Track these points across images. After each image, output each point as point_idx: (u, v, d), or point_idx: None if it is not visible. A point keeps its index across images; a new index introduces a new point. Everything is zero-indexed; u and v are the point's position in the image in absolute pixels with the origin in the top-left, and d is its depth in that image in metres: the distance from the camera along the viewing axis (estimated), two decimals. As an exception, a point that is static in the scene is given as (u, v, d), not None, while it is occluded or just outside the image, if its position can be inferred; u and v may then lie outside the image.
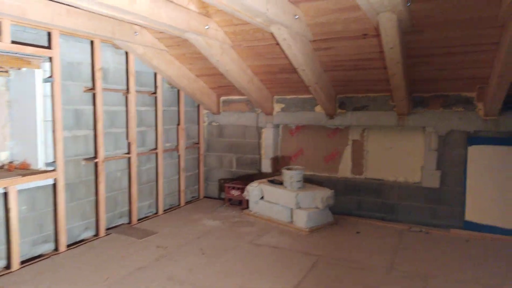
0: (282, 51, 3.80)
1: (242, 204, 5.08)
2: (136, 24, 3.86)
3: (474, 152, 4.23)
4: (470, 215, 4.15)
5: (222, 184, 5.59)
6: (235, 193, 5.14)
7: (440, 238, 4.00)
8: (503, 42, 3.07)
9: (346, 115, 4.90)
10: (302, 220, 4.19)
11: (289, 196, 4.31)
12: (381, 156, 4.99)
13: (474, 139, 4.25)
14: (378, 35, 3.35)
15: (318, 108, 5.06)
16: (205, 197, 5.84)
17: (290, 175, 4.40)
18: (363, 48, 3.71)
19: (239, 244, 3.80)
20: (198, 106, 5.78)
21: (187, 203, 5.46)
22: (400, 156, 4.86)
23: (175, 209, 5.17)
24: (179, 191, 5.37)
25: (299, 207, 4.27)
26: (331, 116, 4.97)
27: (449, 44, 3.44)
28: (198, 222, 4.54)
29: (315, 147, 5.36)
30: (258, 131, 5.52)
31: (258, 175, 5.44)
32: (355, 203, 4.94)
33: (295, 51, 3.65)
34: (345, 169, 5.19)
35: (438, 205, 4.49)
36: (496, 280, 3.00)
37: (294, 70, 4.18)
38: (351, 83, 4.54)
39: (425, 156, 4.55)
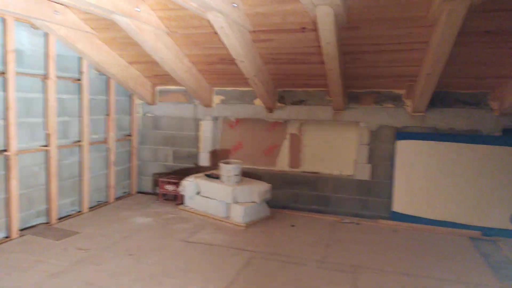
0: (220, 40, 3.65)
1: (177, 199, 4.87)
2: (56, 2, 3.44)
3: (402, 147, 4.46)
4: (398, 206, 4.39)
5: (156, 179, 5.32)
6: (170, 188, 4.91)
7: (369, 229, 4.18)
8: (431, 42, 3.22)
9: (285, 109, 4.90)
10: (238, 215, 4.11)
11: (226, 190, 4.21)
12: (318, 150, 5.08)
13: (402, 134, 4.48)
14: (316, 29, 3.34)
15: (257, 101, 5.00)
16: (138, 192, 5.52)
17: (228, 169, 4.29)
18: (302, 42, 3.69)
19: (171, 243, 3.62)
20: (131, 95, 5.41)
21: (117, 199, 5.11)
22: (335, 150, 4.99)
23: (103, 206, 4.80)
24: (108, 186, 4.99)
25: (236, 202, 4.19)
26: (270, 109, 4.93)
27: (381, 42, 3.55)
28: (128, 220, 4.25)
29: (254, 141, 5.30)
30: (197, 123, 5.32)
31: (196, 169, 5.26)
32: (292, 196, 4.98)
33: (234, 41, 3.52)
34: (283, 163, 5.21)
35: (368, 197, 4.69)
36: (422, 271, 3.18)
37: (233, 61, 4.05)
38: (290, 77, 4.53)
39: (357, 150, 4.72)
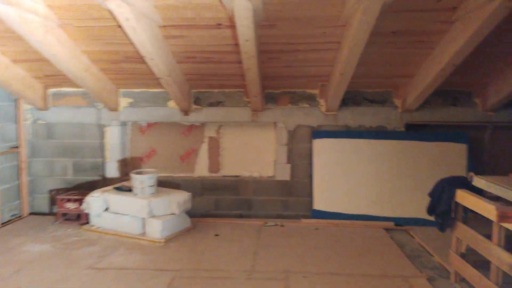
0: (126, 35, 3.23)
1: (81, 219, 4.22)
2: None
3: (318, 145, 4.54)
4: (317, 204, 4.45)
5: (54, 196, 4.56)
6: (71, 206, 4.24)
7: (293, 230, 4.14)
8: (345, 41, 3.28)
9: (201, 111, 4.62)
10: (156, 230, 3.71)
11: (140, 204, 3.77)
12: (238, 152, 4.92)
13: (318, 133, 4.56)
14: (233, 25, 3.15)
15: (171, 103, 4.63)
16: (31, 214, 4.68)
17: (141, 180, 3.85)
18: (218, 40, 3.47)
19: (75, 272, 3.06)
20: (17, 100, 4.56)
21: (4, 224, 4.25)
22: (255, 152, 4.89)
23: (-15, 234, 3.94)
24: (-10, 210, 4.12)
25: (153, 216, 3.77)
26: (186, 112, 4.61)
27: (297, 41, 3.52)
28: (19, 249, 3.53)
29: (169, 146, 4.91)
30: (101, 129, 4.72)
31: (103, 182, 4.66)
32: (213, 203, 4.73)
33: (142, 36, 3.14)
34: (202, 168, 4.92)
35: (289, 197, 4.67)
36: (349, 268, 3.20)
37: (142, 60, 3.64)
38: (206, 77, 4.27)
39: (277, 150, 4.67)
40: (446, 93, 4.47)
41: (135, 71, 4.15)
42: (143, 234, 3.80)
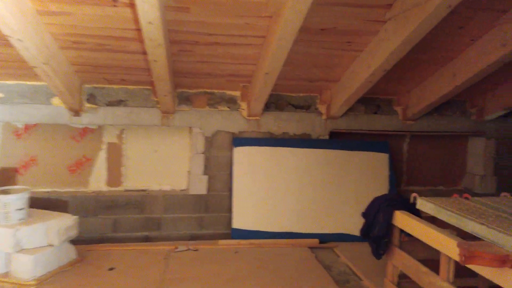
0: (-26, 2, 2.30)
1: None
2: None
3: (239, 154, 4.02)
4: (238, 222, 3.91)
5: None
6: None
7: (209, 255, 3.53)
8: (271, 35, 2.79)
9: (97, 112, 3.76)
10: (25, 268, 2.78)
11: (3, 234, 2.80)
12: (145, 162, 4.15)
13: (239, 140, 4.04)
14: (132, 4, 2.45)
15: (56, 101, 3.68)
16: None
17: (4, 202, 2.87)
18: (115, 21, 2.72)
19: None
20: None
21: None
22: (166, 161, 4.17)
23: None
24: None
25: (21, 250, 2.84)
26: (76, 112, 3.70)
27: (214, 32, 2.94)
28: None
29: (55, 154, 3.93)
30: (-45, 132, 3.56)
31: (-45, 201, 3.50)
32: (111, 224, 3.89)
33: (1, 7, 2.26)
34: (98, 181, 4.03)
35: (206, 213, 4.07)
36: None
37: (7, 41, 2.71)
38: (102, 69, 3.45)
39: (191, 159, 4.03)
40: (369, 100, 4.30)
41: (3, 56, 3.16)
42: (7, 274, 2.83)
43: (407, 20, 2.64)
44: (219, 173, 4.07)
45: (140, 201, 3.98)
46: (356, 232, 4.00)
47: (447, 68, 3.57)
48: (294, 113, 4.19)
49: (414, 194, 2.31)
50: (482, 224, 1.77)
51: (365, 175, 4.20)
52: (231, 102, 4.05)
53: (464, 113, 4.50)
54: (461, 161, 4.84)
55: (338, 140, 4.36)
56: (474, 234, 1.79)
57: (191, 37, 2.99)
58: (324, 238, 3.92)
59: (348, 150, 4.26)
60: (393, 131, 4.42)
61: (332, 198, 4.08)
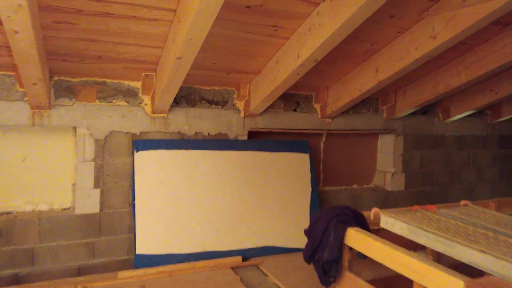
0: None
1: None
2: None
3: (142, 160, 3.26)
4: (143, 245, 3.14)
5: None
6: None
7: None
8: (184, 9, 2.14)
9: None
10: None
11: None
12: (10, 175, 3.09)
13: (141, 143, 3.28)
14: None
15: None
16: None
17: None
18: None
19: None
20: None
21: None
22: (41, 172, 3.19)
23: None
24: None
25: None
26: None
27: None
28: None
29: None
30: None
31: None
32: (-45, 266, 2.75)
33: None
34: None
35: (99, 238, 3.20)
36: None
37: None
38: None
39: (77, 169, 3.12)
40: (289, 96, 3.95)
41: None
42: None
43: (345, 2, 2.28)
44: (117, 185, 3.24)
45: (4, 228, 2.91)
46: (282, 243, 3.64)
47: (371, 62, 3.39)
48: (209, 110, 3.59)
49: (374, 210, 1.95)
50: (483, 252, 1.43)
51: (288, 178, 3.84)
52: (130, 95, 3.25)
53: (377, 110, 4.48)
54: (373, 159, 4.86)
55: (258, 140, 3.91)
56: (472, 264, 1.47)
57: (72, 2, 2.16)
58: (247, 254, 3.42)
59: (269, 151, 3.84)
60: (313, 129, 4.16)
61: (253, 206, 3.60)
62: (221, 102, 3.64)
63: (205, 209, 3.39)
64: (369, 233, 1.85)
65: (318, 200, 3.94)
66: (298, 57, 2.83)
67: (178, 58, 2.49)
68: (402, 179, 4.71)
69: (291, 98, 3.99)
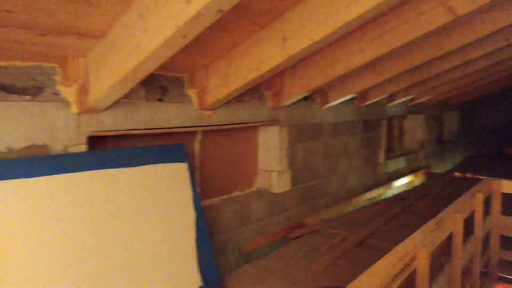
0: None
1: None
2: None
3: None
4: None
5: None
6: None
7: None
8: None
9: None
10: None
11: None
12: None
13: None
14: None
15: None
16: None
17: None
18: None
19: None
20: None
21: None
22: None
23: None
24: None
25: None
26: None
27: None
28: None
29: None
30: None
31: None
32: None
33: None
34: None
35: None
36: None
37: None
38: None
39: None
40: (151, 79, 2.60)
41: None
42: None
43: None
44: None
45: None
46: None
47: (275, 28, 2.38)
48: (6, 105, 1.89)
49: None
50: None
51: (162, 205, 2.51)
52: None
53: (261, 97, 3.58)
54: (254, 157, 3.98)
55: (105, 151, 2.41)
56: None
57: None
58: None
59: (125, 166, 2.42)
60: (190, 126, 2.92)
61: (116, 265, 2.15)
62: (31, 89, 1.99)
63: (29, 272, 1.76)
64: None
65: (205, 229, 2.77)
66: (165, 27, 1.56)
67: None
68: (289, 178, 4.01)
69: (154, 81, 2.64)
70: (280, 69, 2.58)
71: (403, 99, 5.73)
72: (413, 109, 6.65)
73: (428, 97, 6.29)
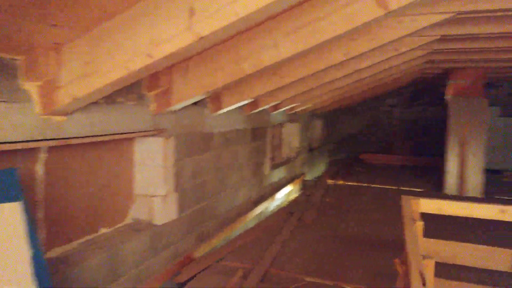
0: None
1: None
2: None
3: None
4: None
5: None
6: None
7: None
8: None
9: None
10: None
11: None
12: None
13: None
14: None
15: None
16: None
17: None
18: None
19: None
20: None
21: None
22: None
23: None
24: None
25: None
26: None
27: None
28: None
29: None
30: None
31: None
32: None
33: None
34: None
35: None
36: None
37: None
38: None
39: None
40: None
41: None
42: None
43: None
44: None
45: None
46: None
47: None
48: None
49: None
50: None
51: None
52: None
53: (141, 98, 2.64)
54: (128, 179, 2.98)
55: None
56: None
57: None
58: None
59: None
60: (26, 141, 1.80)
61: None
62: None
63: None
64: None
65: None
66: None
67: None
68: (175, 203, 3.14)
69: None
70: (185, 56, 1.75)
71: (287, 107, 5.50)
72: (291, 117, 6.57)
73: (309, 105, 6.26)
